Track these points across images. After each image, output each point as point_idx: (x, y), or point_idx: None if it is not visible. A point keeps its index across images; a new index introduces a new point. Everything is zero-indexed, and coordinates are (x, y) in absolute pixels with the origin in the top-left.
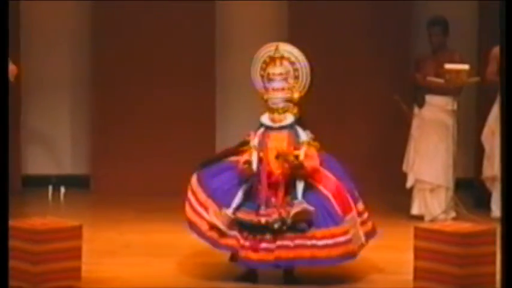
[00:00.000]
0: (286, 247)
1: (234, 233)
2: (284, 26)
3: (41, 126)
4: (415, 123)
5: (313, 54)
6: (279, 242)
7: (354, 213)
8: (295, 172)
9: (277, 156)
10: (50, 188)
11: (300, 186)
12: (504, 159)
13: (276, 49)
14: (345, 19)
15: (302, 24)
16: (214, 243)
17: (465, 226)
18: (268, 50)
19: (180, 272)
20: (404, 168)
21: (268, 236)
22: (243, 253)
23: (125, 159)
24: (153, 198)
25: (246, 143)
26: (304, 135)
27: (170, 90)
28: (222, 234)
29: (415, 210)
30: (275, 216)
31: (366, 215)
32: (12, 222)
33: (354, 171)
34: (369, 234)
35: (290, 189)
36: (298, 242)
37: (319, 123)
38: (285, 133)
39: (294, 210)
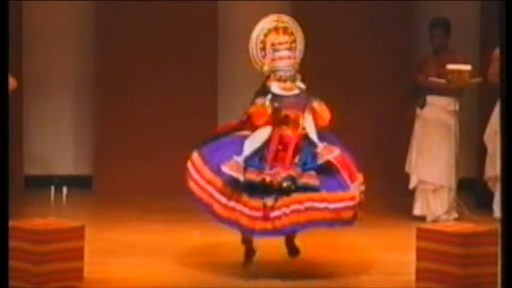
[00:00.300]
0: (298, 211)
1: (240, 207)
2: None
3: (43, 126)
4: (417, 123)
5: (316, 54)
6: (285, 209)
7: (359, 181)
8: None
9: (286, 117)
10: (52, 188)
11: (313, 132)
12: (504, 159)
13: (279, 20)
14: (348, 19)
15: (305, 25)
16: (220, 218)
17: (467, 226)
18: (271, 20)
19: (182, 272)
20: (406, 169)
21: (270, 200)
22: (258, 225)
23: (127, 160)
24: (155, 199)
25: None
26: (314, 99)
27: (172, 90)
28: (225, 207)
29: (417, 210)
30: (283, 174)
31: (363, 188)
32: (14, 223)
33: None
34: (363, 207)
35: (299, 155)
36: (308, 204)
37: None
38: (294, 99)
39: (328, 157)
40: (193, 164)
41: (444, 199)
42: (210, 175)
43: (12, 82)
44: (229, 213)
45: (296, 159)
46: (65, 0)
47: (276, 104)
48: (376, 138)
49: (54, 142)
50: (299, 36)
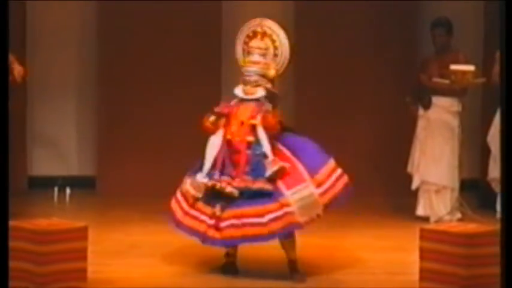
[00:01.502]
0: (235, 226)
1: (194, 212)
2: (290, 26)
3: (46, 127)
4: (420, 124)
5: (318, 54)
6: (228, 221)
7: (306, 183)
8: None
9: (242, 123)
10: (56, 189)
11: (265, 143)
12: (504, 159)
13: (259, 24)
14: (351, 19)
15: (308, 24)
16: (175, 223)
17: (470, 227)
18: (252, 24)
19: (186, 272)
20: (409, 169)
21: (218, 211)
22: (210, 233)
23: (131, 160)
24: (159, 199)
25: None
26: (270, 107)
27: (176, 91)
28: (185, 213)
29: (420, 211)
30: (237, 183)
31: (339, 171)
32: (17, 223)
33: (359, 172)
34: (347, 187)
35: (249, 166)
36: (245, 220)
37: (324, 123)
38: (252, 105)
39: (271, 169)
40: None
41: (447, 199)
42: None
43: (19, 69)
44: (189, 220)
45: (247, 168)
46: (68, 0)
47: (211, 118)
48: (378, 138)
49: (57, 143)
50: (281, 42)
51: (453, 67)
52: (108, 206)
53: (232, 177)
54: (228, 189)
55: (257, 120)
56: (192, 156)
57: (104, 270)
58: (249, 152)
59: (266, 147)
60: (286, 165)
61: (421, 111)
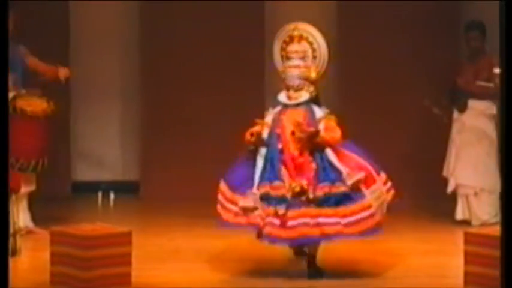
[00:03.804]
0: (307, 224)
1: (258, 211)
2: (333, 25)
3: (90, 132)
4: (455, 127)
5: (360, 54)
6: (300, 220)
7: (378, 184)
8: (313, 141)
9: (293, 133)
10: (100, 194)
11: (331, 155)
12: (504, 160)
13: (295, 28)
14: (393, 19)
15: (350, 24)
16: (240, 225)
17: None
18: (288, 29)
19: (229, 277)
20: (444, 173)
21: (280, 210)
22: (267, 230)
23: (175, 165)
24: (202, 204)
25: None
26: (320, 112)
27: (220, 93)
28: (247, 215)
29: (459, 215)
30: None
31: (389, 184)
32: (62, 228)
33: (392, 176)
34: (392, 202)
35: (316, 171)
36: (322, 220)
37: (357, 126)
38: (301, 110)
39: (351, 180)
40: (220, 191)
41: (485, 202)
42: (229, 194)
43: (64, 71)
44: (242, 217)
45: (315, 175)
46: (111, 0)
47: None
48: (412, 142)
49: (101, 148)
50: (319, 43)
51: (497, 70)
52: (152, 211)
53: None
54: (311, 195)
55: (321, 126)
56: (235, 160)
57: (148, 275)
58: (311, 159)
59: (336, 163)
60: (362, 175)
61: (455, 115)
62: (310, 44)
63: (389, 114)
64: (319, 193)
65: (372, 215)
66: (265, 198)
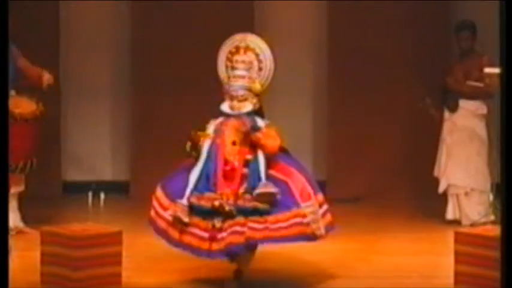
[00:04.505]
0: (238, 232)
1: (192, 229)
2: (323, 25)
3: (80, 132)
4: (446, 128)
5: (350, 54)
6: (230, 229)
7: (313, 201)
8: (252, 138)
9: (234, 142)
10: (90, 194)
11: (262, 167)
12: (504, 160)
13: (242, 39)
14: (384, 19)
15: (340, 24)
16: (173, 242)
17: None
18: (235, 39)
19: (222, 277)
20: (436, 173)
21: (218, 222)
22: (205, 246)
23: (165, 165)
24: None
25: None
26: (262, 122)
27: (211, 94)
28: (182, 231)
29: (449, 215)
30: (231, 202)
31: (325, 207)
32: (52, 228)
33: (385, 176)
34: (328, 227)
35: (246, 180)
36: (250, 225)
37: (347, 126)
38: (243, 120)
39: (258, 190)
40: (156, 197)
41: (476, 202)
42: (166, 202)
43: (48, 77)
44: (181, 236)
45: (242, 188)
46: (101, 0)
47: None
48: (403, 142)
49: (91, 148)
50: (265, 55)
51: (487, 70)
52: (142, 211)
53: (226, 195)
54: (227, 208)
55: (259, 135)
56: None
57: (139, 275)
58: (245, 170)
59: (262, 172)
60: (276, 191)
61: (446, 115)
62: (257, 55)
63: (380, 114)
64: (241, 203)
65: (307, 223)
66: (198, 210)
